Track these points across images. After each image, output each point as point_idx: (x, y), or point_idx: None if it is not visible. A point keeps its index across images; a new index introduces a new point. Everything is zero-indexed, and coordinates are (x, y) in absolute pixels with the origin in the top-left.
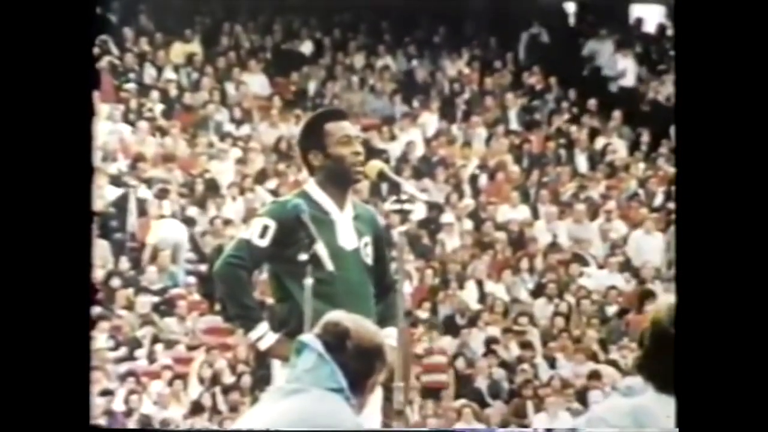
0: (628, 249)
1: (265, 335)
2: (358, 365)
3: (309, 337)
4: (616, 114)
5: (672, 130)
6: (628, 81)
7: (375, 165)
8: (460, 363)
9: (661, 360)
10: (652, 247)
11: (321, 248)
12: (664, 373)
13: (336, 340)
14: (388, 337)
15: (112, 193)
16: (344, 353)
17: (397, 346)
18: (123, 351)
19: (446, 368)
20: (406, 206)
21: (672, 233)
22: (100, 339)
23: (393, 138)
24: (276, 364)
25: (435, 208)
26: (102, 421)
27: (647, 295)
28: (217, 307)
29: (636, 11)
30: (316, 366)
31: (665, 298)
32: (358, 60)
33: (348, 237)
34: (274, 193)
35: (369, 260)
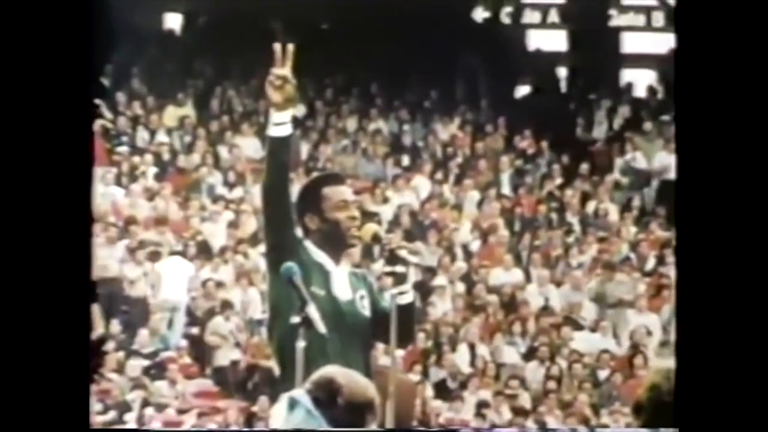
0: (621, 313)
1: None
2: (348, 420)
3: (299, 392)
4: (608, 178)
5: (664, 193)
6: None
7: (370, 228)
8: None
9: (660, 426)
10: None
11: (313, 311)
12: None
13: (326, 396)
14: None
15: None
16: (335, 409)
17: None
18: (112, 415)
19: None
20: (399, 269)
21: (664, 298)
22: (90, 402)
23: (385, 201)
24: (272, 423)
25: (427, 271)
26: None
27: (639, 360)
28: (208, 370)
29: (626, 76)
30: (305, 421)
31: (661, 363)
32: (351, 123)
33: (343, 288)
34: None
35: (366, 312)
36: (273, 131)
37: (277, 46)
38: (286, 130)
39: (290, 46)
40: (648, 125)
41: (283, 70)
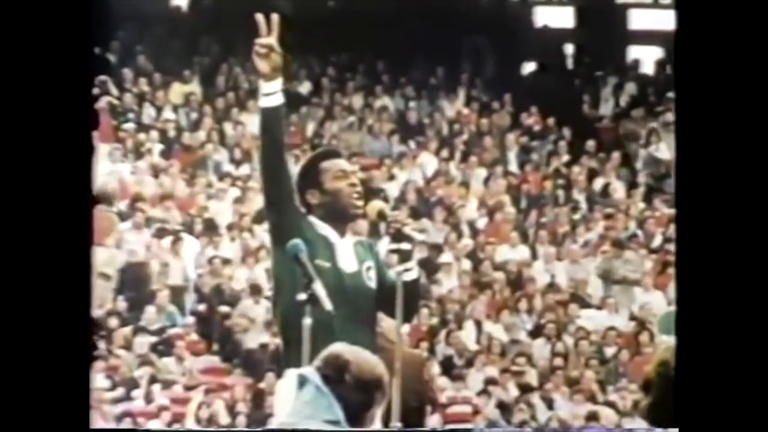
0: (627, 290)
1: None
2: (357, 397)
3: (308, 370)
4: (615, 155)
5: (670, 171)
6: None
7: (375, 205)
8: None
9: (670, 403)
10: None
11: (319, 288)
12: (670, 416)
13: (335, 373)
14: None
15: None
16: (343, 386)
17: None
18: (120, 391)
19: (471, 418)
20: (404, 246)
21: (670, 275)
22: (97, 379)
23: (391, 178)
24: (277, 400)
25: (433, 248)
26: None
27: (645, 337)
28: (215, 347)
29: (633, 53)
30: (314, 398)
31: (669, 340)
32: (356, 100)
33: (348, 260)
34: None
35: (372, 283)
36: (263, 102)
37: (259, 16)
38: (276, 100)
39: (274, 16)
40: (670, 116)
41: (269, 39)
